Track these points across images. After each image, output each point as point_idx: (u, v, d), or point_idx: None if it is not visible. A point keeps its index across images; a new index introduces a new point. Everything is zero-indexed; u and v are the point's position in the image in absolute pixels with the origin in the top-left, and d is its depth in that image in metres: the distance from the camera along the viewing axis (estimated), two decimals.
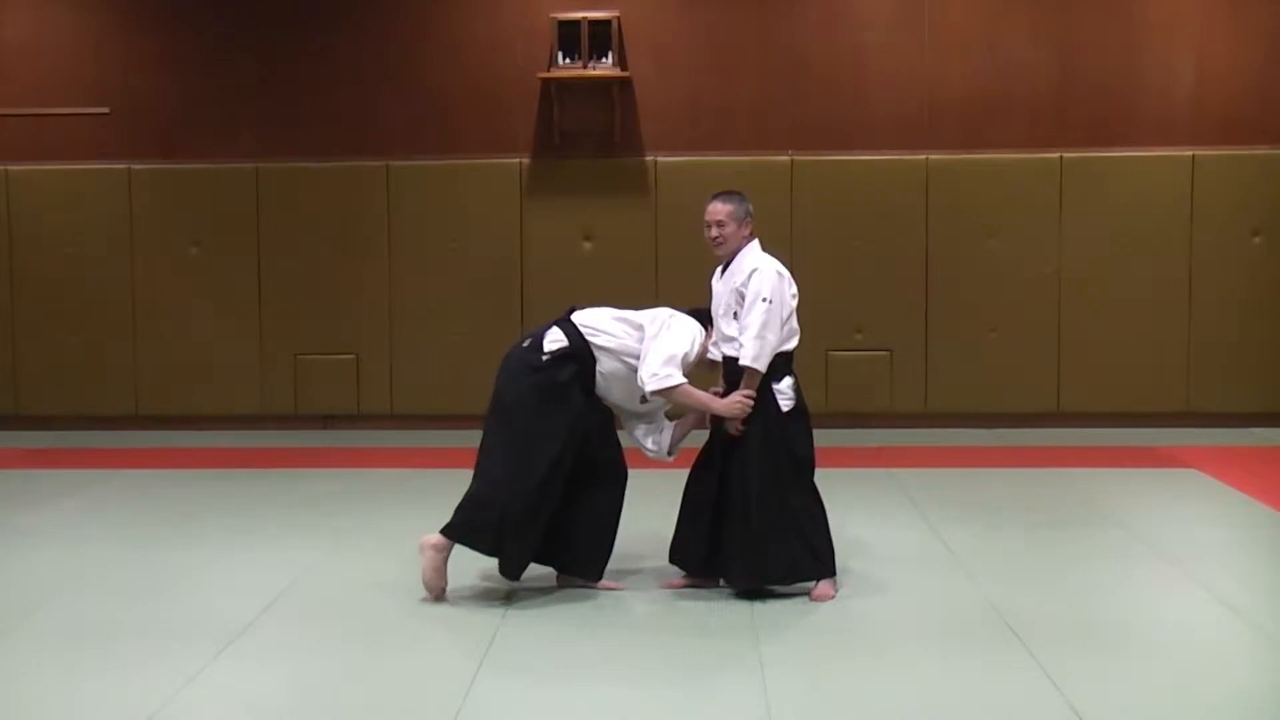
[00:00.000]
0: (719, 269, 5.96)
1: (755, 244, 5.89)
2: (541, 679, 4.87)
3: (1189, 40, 10.03)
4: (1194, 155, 9.98)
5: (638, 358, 5.68)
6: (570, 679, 4.88)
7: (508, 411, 5.72)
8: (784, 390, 5.76)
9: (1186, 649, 5.13)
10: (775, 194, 9.99)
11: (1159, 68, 10.06)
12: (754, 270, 5.73)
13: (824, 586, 5.81)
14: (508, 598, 5.82)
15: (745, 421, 5.70)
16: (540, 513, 5.68)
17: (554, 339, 5.72)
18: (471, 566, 6.07)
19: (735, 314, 5.75)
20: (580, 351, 5.69)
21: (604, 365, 5.73)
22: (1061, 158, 10.04)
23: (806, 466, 5.84)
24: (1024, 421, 10.13)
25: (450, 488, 7.99)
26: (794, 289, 5.83)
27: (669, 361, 5.61)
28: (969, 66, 10.11)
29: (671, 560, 6.01)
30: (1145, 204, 10.02)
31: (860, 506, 7.46)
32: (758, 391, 5.72)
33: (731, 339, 5.77)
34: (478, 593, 5.90)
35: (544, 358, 5.69)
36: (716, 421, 5.83)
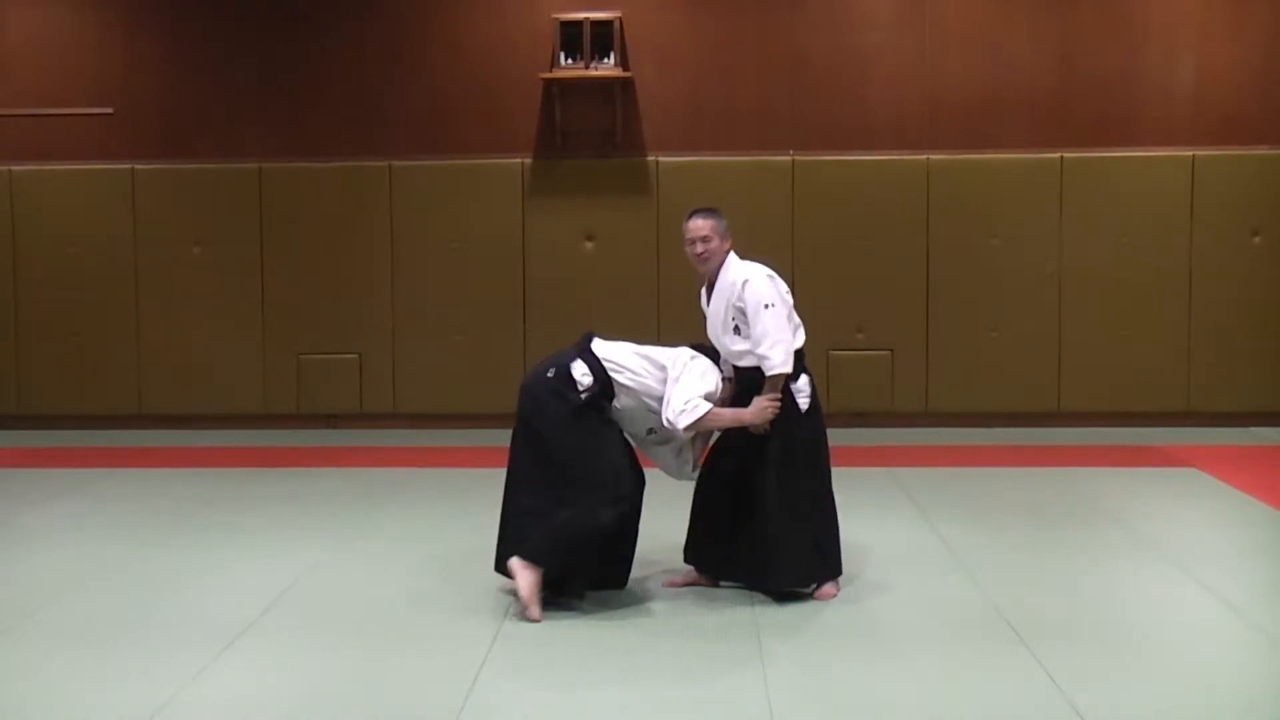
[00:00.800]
0: (703, 290, 5.96)
1: (734, 255, 5.89)
2: (543, 678, 4.89)
3: (1189, 41, 10.05)
4: (1194, 155, 10.00)
5: (658, 399, 5.63)
6: (572, 678, 4.90)
7: (554, 452, 5.60)
8: (802, 389, 5.79)
9: (1187, 648, 5.15)
10: (777, 194, 10.04)
11: (1159, 68, 10.08)
12: (745, 281, 5.73)
13: (827, 585, 5.85)
14: (510, 597, 5.82)
15: (771, 423, 5.72)
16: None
17: (583, 373, 5.63)
18: (473, 567, 6.09)
19: (736, 328, 5.75)
20: (605, 387, 5.65)
21: (619, 400, 5.68)
22: (1062, 158, 10.06)
23: (823, 465, 5.87)
24: (1025, 421, 10.16)
25: (453, 486, 8.08)
26: (785, 286, 5.83)
27: (692, 398, 5.58)
28: (970, 67, 10.13)
29: (686, 559, 6.03)
30: (1145, 204, 10.05)
31: (861, 506, 7.47)
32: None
33: (741, 353, 5.77)
34: (480, 593, 5.91)
35: (582, 395, 5.60)
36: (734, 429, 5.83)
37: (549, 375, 5.67)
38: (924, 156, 10.12)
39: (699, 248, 5.84)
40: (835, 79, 10.19)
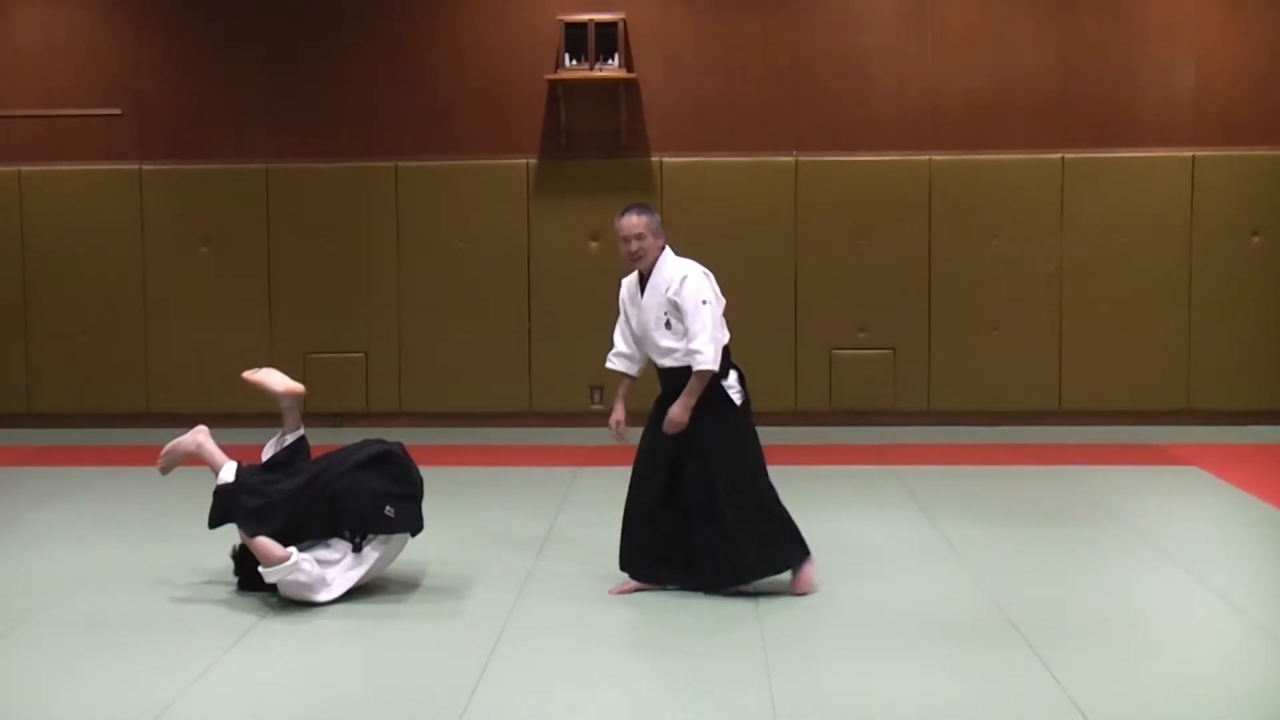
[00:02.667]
0: (634, 283, 5.96)
1: (669, 252, 5.90)
2: (549, 672, 4.93)
3: (1189, 43, 10.11)
4: (1194, 156, 10.06)
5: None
6: (578, 672, 4.94)
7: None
8: (733, 385, 5.82)
9: (1187, 645, 5.20)
10: (780, 194, 10.09)
11: (1159, 70, 10.14)
12: (684, 277, 5.75)
13: (805, 574, 5.85)
14: (516, 594, 5.89)
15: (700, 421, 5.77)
16: None
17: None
18: (479, 562, 6.14)
19: (668, 324, 5.77)
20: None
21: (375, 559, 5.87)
22: (1063, 158, 10.12)
23: (762, 458, 5.91)
24: (1026, 419, 10.21)
25: (458, 484, 8.13)
26: (718, 286, 5.85)
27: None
28: (972, 68, 10.19)
29: (623, 568, 5.96)
30: (1146, 204, 10.11)
31: (863, 503, 7.55)
32: (709, 392, 5.75)
33: (670, 349, 5.80)
34: (486, 587, 5.97)
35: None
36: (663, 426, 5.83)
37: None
38: (926, 157, 10.18)
39: (633, 245, 5.85)
40: (838, 80, 10.25)
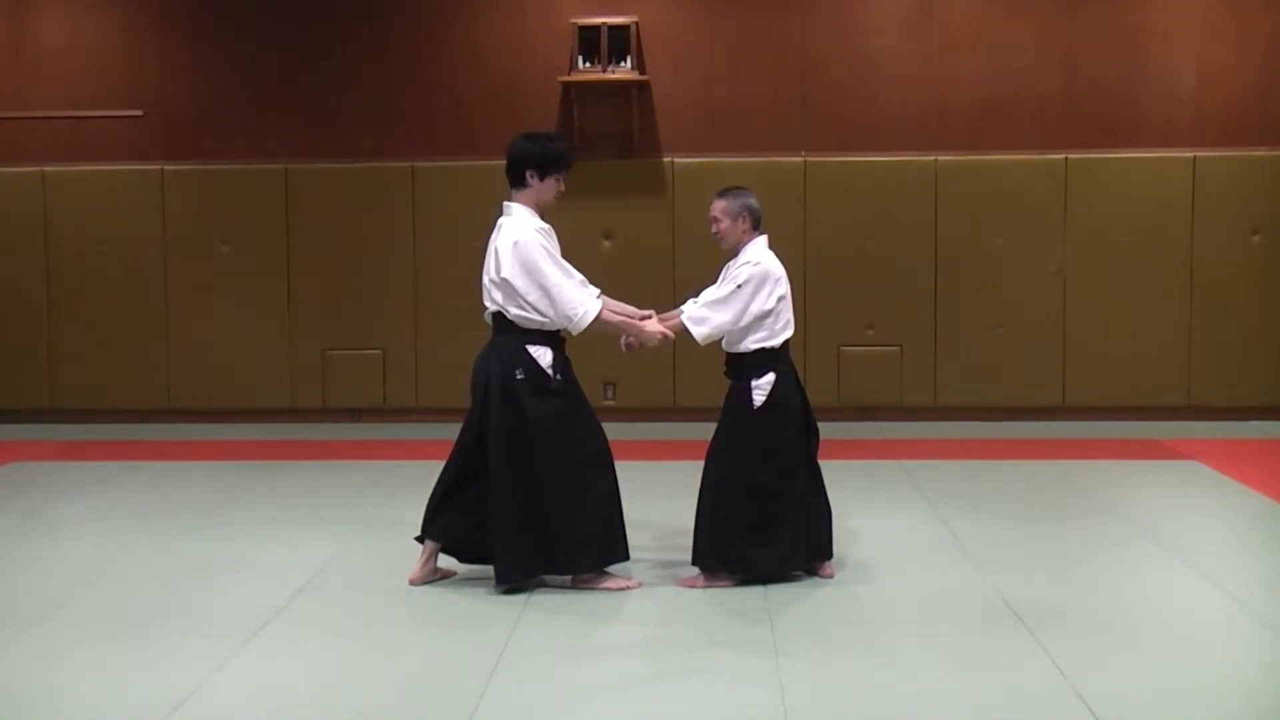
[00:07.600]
0: None
1: (759, 241, 6.03)
2: (560, 666, 4.98)
3: (1190, 45, 10.22)
4: (1195, 157, 10.18)
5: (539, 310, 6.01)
6: (588, 666, 5.00)
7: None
8: (761, 386, 5.91)
9: (1189, 638, 5.25)
10: (789, 194, 10.19)
11: (1161, 72, 10.25)
12: (745, 262, 5.93)
13: (695, 578, 6.01)
14: (526, 590, 5.94)
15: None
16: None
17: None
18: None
19: None
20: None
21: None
22: (1066, 159, 10.24)
23: (773, 461, 5.92)
24: (1030, 415, 10.32)
25: None
26: (781, 290, 5.95)
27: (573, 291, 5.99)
28: (977, 70, 10.30)
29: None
30: (1148, 204, 10.22)
31: (870, 498, 7.65)
32: (738, 386, 5.95)
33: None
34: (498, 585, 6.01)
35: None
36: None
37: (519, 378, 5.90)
38: (932, 157, 10.30)
39: (713, 228, 6.06)
40: (845, 82, 10.36)
